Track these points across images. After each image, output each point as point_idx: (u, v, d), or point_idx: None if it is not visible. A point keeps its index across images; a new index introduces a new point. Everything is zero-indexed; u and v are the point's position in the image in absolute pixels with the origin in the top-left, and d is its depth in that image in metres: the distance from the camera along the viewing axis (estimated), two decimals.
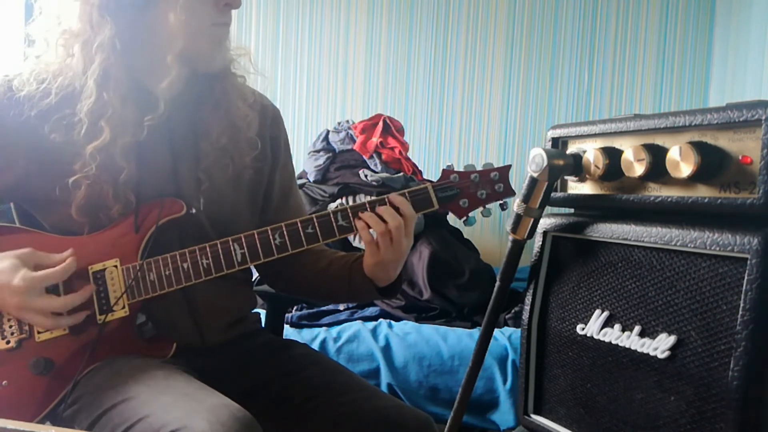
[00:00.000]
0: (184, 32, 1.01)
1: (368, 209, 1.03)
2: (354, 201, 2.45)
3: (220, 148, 1.09)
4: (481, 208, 1.08)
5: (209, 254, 1.03)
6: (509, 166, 1.08)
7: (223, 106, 1.11)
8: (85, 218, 1.03)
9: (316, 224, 1.04)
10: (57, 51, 1.03)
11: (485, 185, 1.07)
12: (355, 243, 2.34)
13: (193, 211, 1.07)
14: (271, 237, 1.04)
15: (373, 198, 1.05)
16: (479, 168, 1.08)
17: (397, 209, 1.03)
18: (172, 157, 1.09)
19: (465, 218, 1.07)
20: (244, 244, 1.04)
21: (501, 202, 1.09)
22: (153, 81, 1.05)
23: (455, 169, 1.07)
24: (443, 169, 1.07)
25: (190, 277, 1.03)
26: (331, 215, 1.04)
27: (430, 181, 1.08)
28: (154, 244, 1.04)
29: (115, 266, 1.04)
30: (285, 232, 1.04)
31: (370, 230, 1.03)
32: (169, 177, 1.09)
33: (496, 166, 1.08)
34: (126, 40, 1.01)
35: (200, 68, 1.08)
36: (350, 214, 1.04)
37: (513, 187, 1.08)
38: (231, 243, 1.04)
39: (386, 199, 1.04)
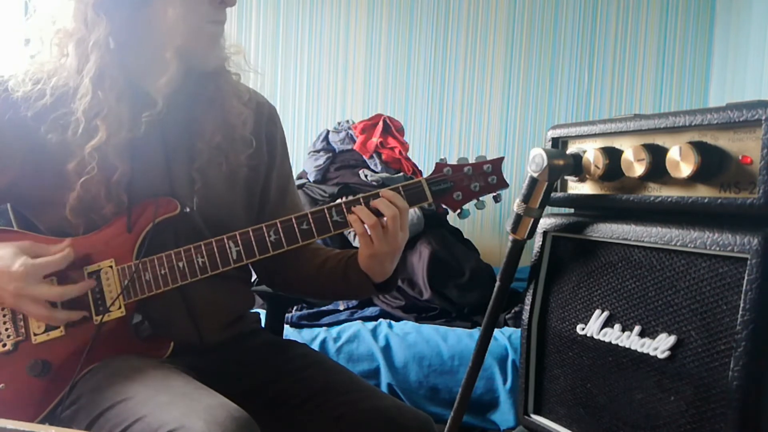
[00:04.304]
0: (179, 30, 1.01)
1: (362, 204, 1.03)
2: None
3: (214, 147, 1.09)
4: (474, 201, 1.08)
5: (204, 252, 1.03)
6: (502, 158, 1.08)
7: (217, 103, 1.11)
8: (79, 219, 1.03)
9: (311, 220, 1.03)
10: (51, 51, 1.03)
11: (478, 178, 1.07)
12: (355, 243, 2.34)
13: (188, 210, 1.07)
14: (266, 234, 1.03)
15: (366, 194, 1.04)
16: (472, 161, 1.08)
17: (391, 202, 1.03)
18: (165, 157, 1.09)
19: (459, 211, 1.07)
20: (239, 242, 1.04)
21: (495, 194, 1.09)
22: (148, 79, 1.05)
23: (448, 163, 1.07)
24: (436, 163, 1.07)
25: (185, 275, 1.03)
26: (326, 211, 1.04)
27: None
28: (149, 244, 1.04)
29: (111, 266, 1.03)
30: (280, 229, 1.03)
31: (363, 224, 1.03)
32: (162, 176, 1.09)
33: (489, 159, 1.08)
34: (121, 39, 1.01)
35: (195, 66, 1.07)
36: (344, 209, 1.03)
37: (506, 179, 1.08)
38: (226, 241, 1.04)
39: (379, 194, 1.04)
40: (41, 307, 0.98)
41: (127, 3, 1.00)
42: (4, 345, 1.02)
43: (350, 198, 1.05)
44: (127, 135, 1.02)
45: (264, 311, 1.43)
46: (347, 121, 2.85)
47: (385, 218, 1.02)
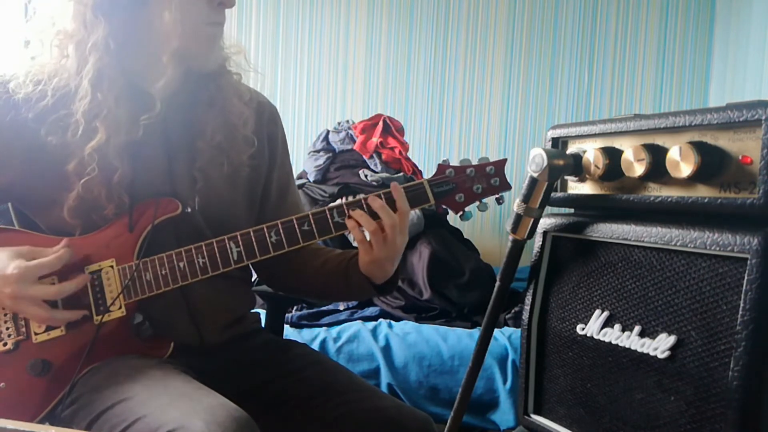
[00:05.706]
0: (178, 32, 1.01)
1: (363, 205, 1.03)
2: None
3: (215, 146, 1.09)
4: (477, 203, 1.08)
5: (205, 253, 1.03)
6: (505, 160, 1.08)
7: (218, 103, 1.11)
8: (78, 220, 1.03)
9: (312, 221, 1.03)
10: (52, 52, 1.03)
11: (481, 179, 1.07)
12: (355, 244, 2.34)
13: (189, 210, 1.07)
14: (267, 234, 1.03)
15: (368, 195, 1.03)
16: (475, 162, 1.08)
17: (393, 203, 1.03)
18: (167, 157, 1.09)
19: (461, 213, 1.07)
20: (240, 243, 1.03)
21: (497, 196, 1.08)
22: (148, 81, 1.05)
23: (451, 164, 1.07)
24: (439, 164, 1.07)
25: (186, 276, 1.03)
26: (327, 212, 1.04)
27: None
28: (150, 244, 1.04)
29: (111, 266, 1.03)
30: (281, 230, 1.03)
31: (362, 229, 1.03)
32: (164, 176, 1.09)
33: (492, 160, 1.08)
34: (120, 40, 1.01)
35: (195, 67, 1.07)
36: (346, 211, 1.03)
37: (509, 181, 1.07)
38: (227, 241, 1.04)
39: (382, 195, 1.03)
40: (40, 309, 0.98)
41: (125, 5, 1.00)
42: (5, 344, 1.02)
43: (352, 199, 1.04)
44: (126, 136, 1.01)
45: (264, 311, 1.43)
46: (347, 121, 2.85)
47: (383, 222, 1.01)
